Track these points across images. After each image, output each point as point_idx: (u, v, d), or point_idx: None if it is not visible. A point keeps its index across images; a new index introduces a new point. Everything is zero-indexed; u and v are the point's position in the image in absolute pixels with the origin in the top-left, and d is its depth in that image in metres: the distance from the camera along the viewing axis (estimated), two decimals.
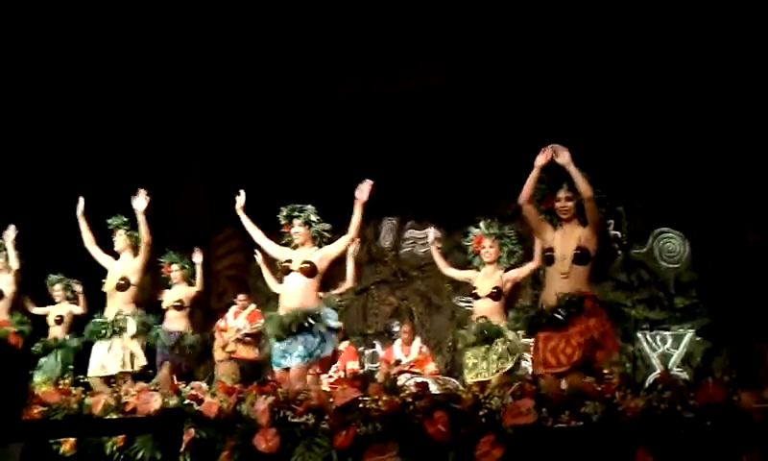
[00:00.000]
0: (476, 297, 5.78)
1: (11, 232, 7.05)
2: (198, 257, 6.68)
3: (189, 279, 7.14)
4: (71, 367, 7.04)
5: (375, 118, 8.39)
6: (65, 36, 7.52)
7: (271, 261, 6.14)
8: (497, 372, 5.36)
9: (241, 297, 7.95)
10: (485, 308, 5.72)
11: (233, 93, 8.66)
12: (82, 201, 6.33)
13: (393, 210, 9.03)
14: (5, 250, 7.14)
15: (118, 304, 6.06)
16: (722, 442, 3.05)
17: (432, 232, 6.44)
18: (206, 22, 7.71)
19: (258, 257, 6.67)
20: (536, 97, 7.55)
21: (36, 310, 7.55)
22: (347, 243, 5.45)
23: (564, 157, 4.22)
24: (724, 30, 6.52)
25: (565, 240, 4.34)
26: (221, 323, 7.86)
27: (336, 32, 7.74)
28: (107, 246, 6.40)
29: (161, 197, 9.05)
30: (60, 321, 7.52)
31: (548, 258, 4.38)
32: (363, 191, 5.23)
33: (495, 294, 5.65)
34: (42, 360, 7.31)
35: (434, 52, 7.95)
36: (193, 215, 9.52)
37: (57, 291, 7.59)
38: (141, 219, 5.97)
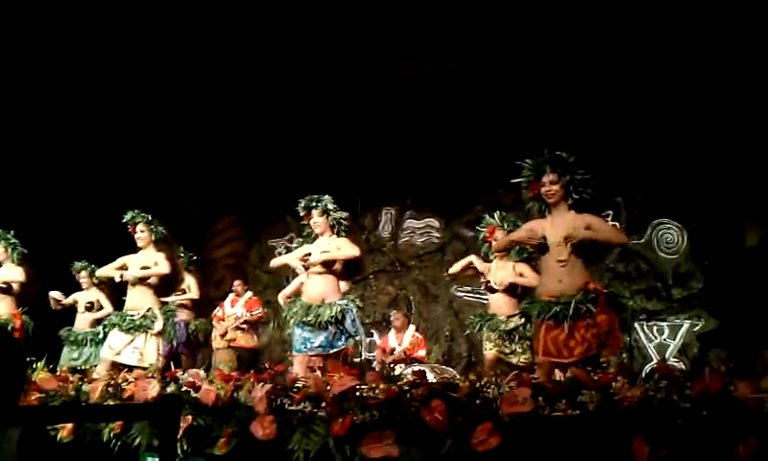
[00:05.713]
0: (492, 290, 5.81)
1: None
2: None
3: (188, 268, 7.13)
4: None
5: (370, 109, 8.37)
6: (75, 42, 7.56)
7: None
8: (524, 361, 5.50)
9: (237, 283, 7.93)
10: (501, 300, 5.77)
11: (233, 82, 8.63)
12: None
13: (392, 200, 9.03)
14: (7, 242, 6.99)
15: (140, 295, 5.93)
16: (718, 431, 3.06)
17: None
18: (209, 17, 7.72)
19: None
20: (536, 88, 7.54)
21: (65, 301, 7.49)
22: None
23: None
24: (721, 22, 6.51)
25: (557, 226, 4.31)
26: (218, 311, 7.86)
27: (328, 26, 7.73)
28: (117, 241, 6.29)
29: (160, 188, 9.06)
30: (90, 307, 7.45)
31: (542, 247, 4.36)
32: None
33: (511, 287, 5.72)
34: (69, 348, 7.24)
35: (430, 44, 7.92)
36: (191, 205, 9.51)
37: (83, 278, 7.53)
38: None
